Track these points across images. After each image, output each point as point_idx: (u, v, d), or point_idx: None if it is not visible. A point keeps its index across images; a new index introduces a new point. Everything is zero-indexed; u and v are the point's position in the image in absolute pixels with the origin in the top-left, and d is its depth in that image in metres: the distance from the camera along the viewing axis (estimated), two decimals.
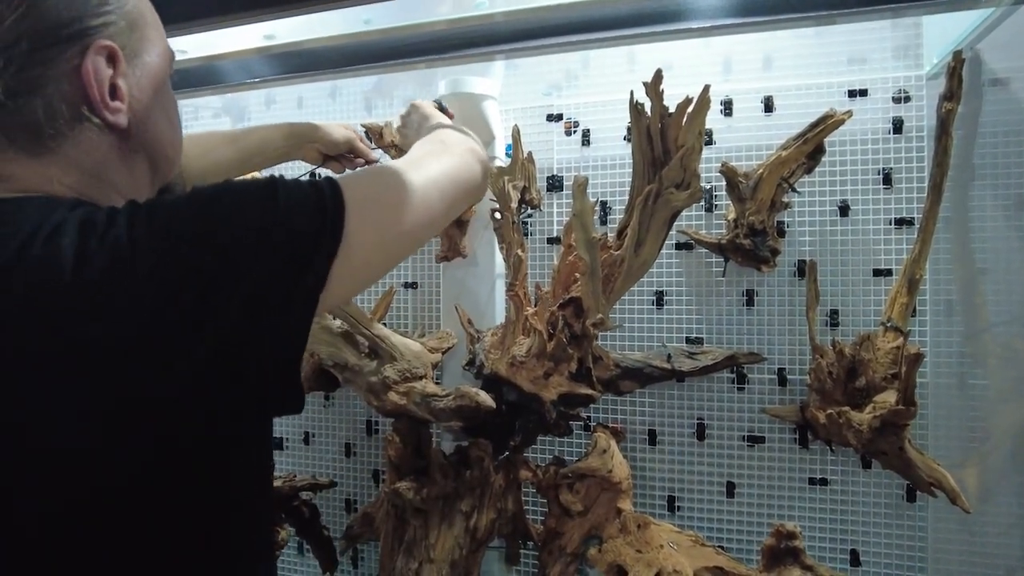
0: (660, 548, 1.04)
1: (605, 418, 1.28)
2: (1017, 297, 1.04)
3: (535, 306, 1.13)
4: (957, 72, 0.99)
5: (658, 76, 0.93)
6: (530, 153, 1.16)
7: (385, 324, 1.37)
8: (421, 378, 1.18)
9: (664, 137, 0.97)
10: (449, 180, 0.66)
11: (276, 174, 0.56)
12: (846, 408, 1.04)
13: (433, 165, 0.66)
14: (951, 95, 1.00)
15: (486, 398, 1.08)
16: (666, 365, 1.17)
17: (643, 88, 0.94)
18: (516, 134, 1.12)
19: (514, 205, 1.10)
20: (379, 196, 0.57)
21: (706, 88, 0.91)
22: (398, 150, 1.30)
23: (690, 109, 0.93)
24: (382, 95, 1.40)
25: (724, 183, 1.14)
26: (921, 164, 1.13)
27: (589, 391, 1.08)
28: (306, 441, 1.47)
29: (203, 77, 1.17)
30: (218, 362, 0.46)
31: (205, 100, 1.43)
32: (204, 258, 0.46)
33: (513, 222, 1.09)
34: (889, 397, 1.02)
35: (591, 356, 1.12)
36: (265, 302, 0.47)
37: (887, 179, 1.15)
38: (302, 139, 1.05)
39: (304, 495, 1.33)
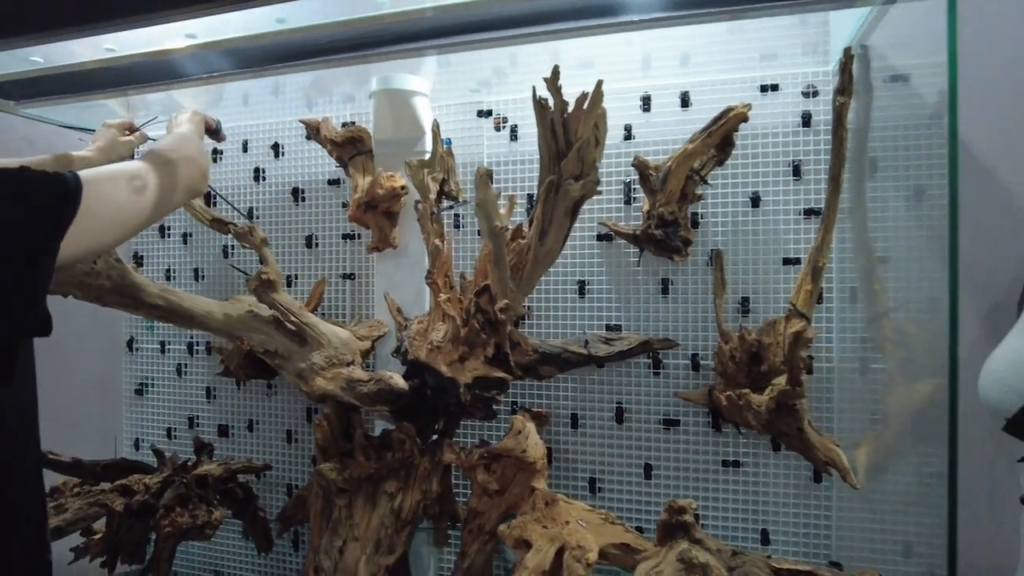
0: (566, 524, 1.08)
1: (532, 403, 1.33)
2: (913, 284, 1.08)
3: (461, 294, 1.18)
4: (848, 67, 1.03)
5: (555, 72, 0.97)
6: (449, 147, 1.21)
7: (324, 314, 1.42)
8: (348, 364, 1.23)
9: (566, 131, 1.01)
10: (171, 179, 0.86)
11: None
12: (746, 390, 1.09)
13: (161, 166, 0.86)
14: (843, 89, 1.04)
15: (399, 381, 1.12)
16: (583, 351, 1.21)
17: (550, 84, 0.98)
18: (435, 129, 1.16)
19: (432, 196, 1.14)
20: (112, 187, 0.76)
21: (599, 83, 0.96)
22: (332, 144, 1.35)
23: (586, 103, 0.97)
24: (321, 92, 1.45)
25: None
26: (829, 156, 1.17)
27: (502, 374, 1.12)
28: (250, 428, 1.51)
29: (137, 75, 1.22)
30: None
31: (137, 98, 1.47)
32: None
33: (432, 213, 1.14)
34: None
35: (509, 341, 1.16)
36: (18, 250, 0.63)
37: (796, 171, 1.19)
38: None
39: (243, 479, 1.38)
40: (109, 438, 1.57)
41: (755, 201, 1.20)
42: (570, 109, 0.99)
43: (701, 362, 1.22)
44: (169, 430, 1.58)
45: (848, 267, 1.16)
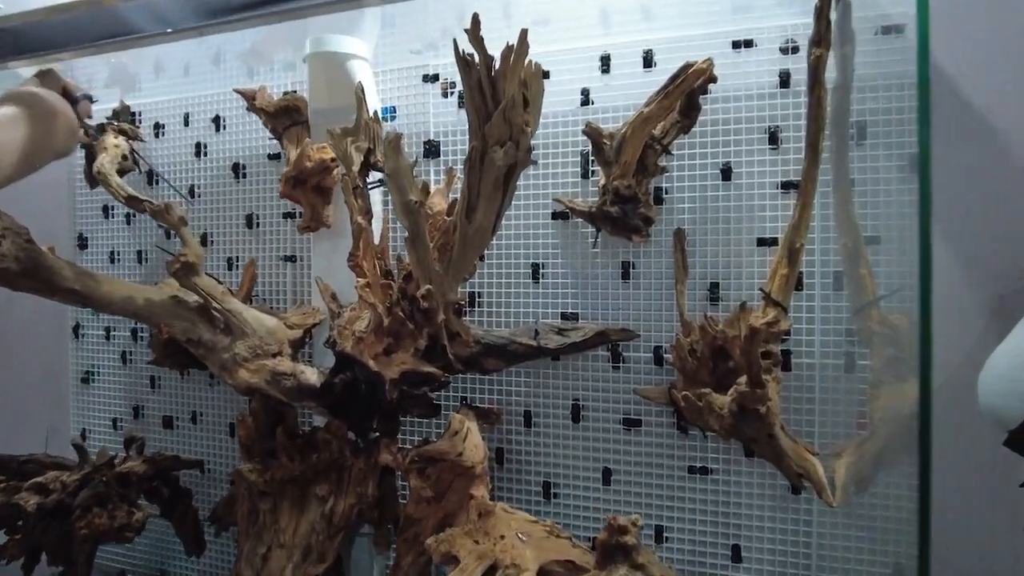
0: (501, 538, 0.96)
1: (482, 399, 1.21)
2: (907, 268, 0.93)
3: (394, 279, 1.06)
4: (824, 12, 0.88)
5: (475, 22, 0.84)
6: (376, 113, 1.08)
7: (264, 299, 1.31)
8: (274, 355, 1.12)
9: (495, 91, 0.88)
10: (27, 136, 0.86)
11: None
12: (707, 390, 0.95)
13: (16, 123, 0.87)
14: (819, 40, 0.88)
15: (309, 376, 1.02)
16: (532, 342, 1.09)
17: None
18: (359, 92, 1.04)
19: (356, 168, 1.02)
20: None
21: (523, 32, 0.83)
22: (266, 114, 1.24)
23: (512, 57, 0.84)
24: (262, 60, 1.33)
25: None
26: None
27: (431, 369, 1.01)
28: (194, 420, 1.42)
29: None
30: None
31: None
32: None
33: (356, 187, 1.02)
34: None
35: (446, 332, 1.04)
36: None
37: (773, 139, 1.04)
38: None
39: (184, 474, 1.29)
40: (57, 429, 1.50)
41: (726, 173, 1.06)
42: (498, 65, 0.86)
43: (665, 355, 1.08)
44: (115, 420, 1.50)
45: (832, 249, 1.01)
